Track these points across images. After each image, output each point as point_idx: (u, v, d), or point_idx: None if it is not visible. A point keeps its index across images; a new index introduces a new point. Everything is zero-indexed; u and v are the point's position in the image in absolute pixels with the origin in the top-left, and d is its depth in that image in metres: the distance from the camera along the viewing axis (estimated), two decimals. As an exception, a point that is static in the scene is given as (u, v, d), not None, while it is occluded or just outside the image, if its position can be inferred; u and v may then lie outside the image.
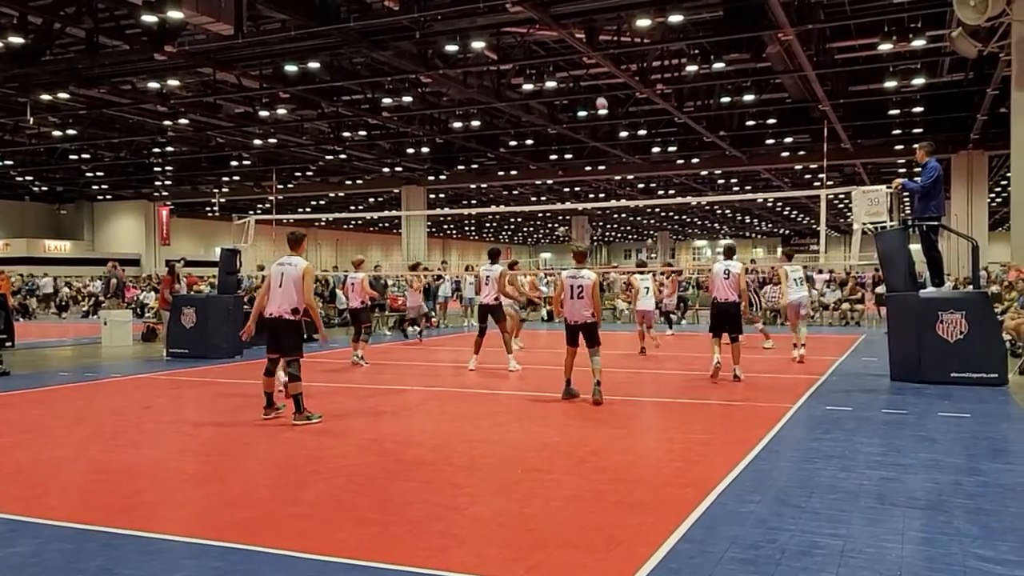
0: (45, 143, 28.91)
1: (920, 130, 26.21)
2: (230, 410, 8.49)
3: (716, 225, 72.02)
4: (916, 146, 10.71)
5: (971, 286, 11.99)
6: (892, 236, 10.49)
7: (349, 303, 13.23)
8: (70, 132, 26.98)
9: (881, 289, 19.66)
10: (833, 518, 4.58)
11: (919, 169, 10.65)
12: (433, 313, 20.39)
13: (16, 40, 16.06)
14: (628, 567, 3.87)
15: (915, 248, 10.74)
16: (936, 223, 10.45)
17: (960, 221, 27.62)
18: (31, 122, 24.16)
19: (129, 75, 20.33)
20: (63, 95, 21.42)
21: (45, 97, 21.46)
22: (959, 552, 4.04)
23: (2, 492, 5.38)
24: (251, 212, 19.12)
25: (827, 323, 22.32)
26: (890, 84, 21.12)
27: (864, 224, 10.63)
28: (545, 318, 25.35)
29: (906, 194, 10.72)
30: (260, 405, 8.04)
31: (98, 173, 36.85)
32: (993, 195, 38.52)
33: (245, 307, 13.95)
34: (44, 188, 42.30)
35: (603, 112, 23.33)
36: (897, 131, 27.26)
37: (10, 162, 32.83)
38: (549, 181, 38.16)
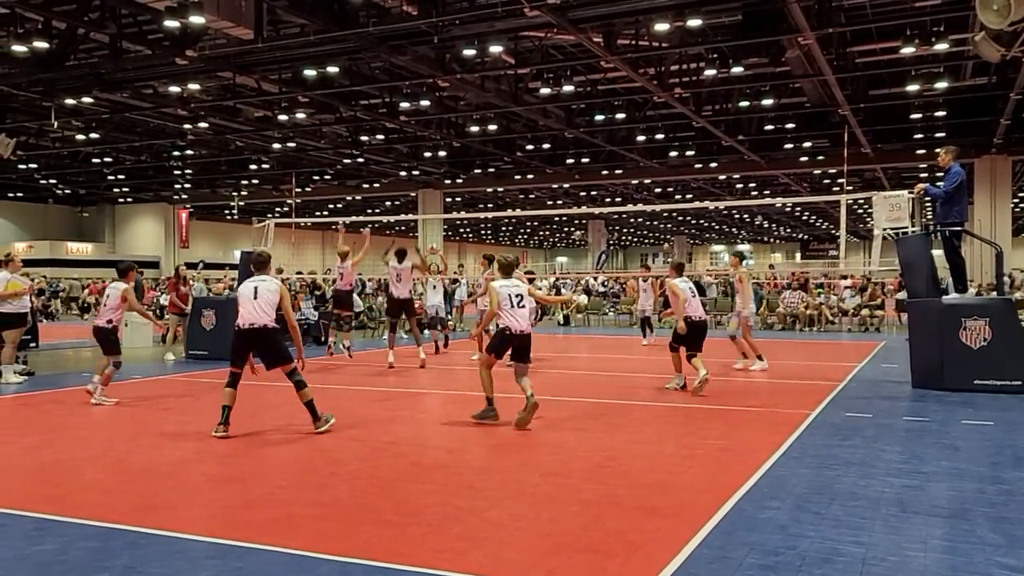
0: (68, 147, 29.22)
1: (942, 134, 25.91)
2: (249, 412, 8.54)
3: (734, 230, 71.64)
4: (939, 151, 10.61)
5: (995, 292, 11.86)
6: (914, 242, 10.41)
7: (336, 287, 13.76)
8: (93, 136, 27.26)
9: (901, 295, 19.50)
10: (854, 525, 4.55)
11: (941, 174, 10.56)
12: (449, 317, 20.36)
13: (41, 45, 16.25)
14: (647, 572, 3.87)
15: (938, 254, 10.65)
16: (959, 228, 10.36)
17: (983, 226, 27.31)
18: (55, 126, 24.43)
19: (151, 79, 20.54)
20: (87, 99, 21.64)
21: (69, 101, 21.70)
22: (982, 561, 4.00)
23: (27, 490, 5.46)
24: (270, 215, 19.26)
25: (847, 329, 22.17)
26: (912, 88, 20.90)
27: (885, 230, 10.55)
28: (561, 322, 25.37)
29: (928, 199, 10.64)
30: (275, 407, 8.09)
31: (119, 176, 37.21)
32: (1017, 200, 38.09)
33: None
34: (67, 191, 42.77)
35: None
36: (919, 135, 26.96)
37: (34, 165, 33.21)
38: (565, 185, 38.11)
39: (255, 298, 7.31)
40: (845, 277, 25.85)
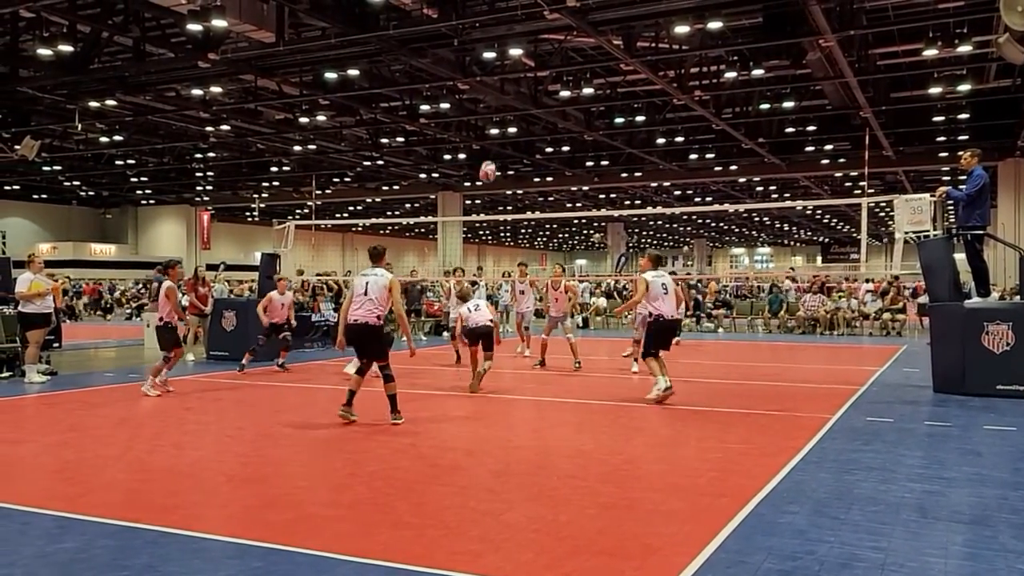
0: (92, 149, 29.60)
1: (965, 137, 25.62)
2: (269, 412, 8.61)
3: (754, 232, 71.23)
4: (961, 153, 10.50)
5: (1018, 296, 11.72)
6: (936, 245, 10.30)
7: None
8: (116, 138, 27.59)
9: (923, 299, 19.30)
10: (874, 531, 4.51)
11: (964, 177, 10.45)
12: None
13: (65, 48, 16.48)
14: (664, 576, 3.86)
15: (960, 258, 10.54)
16: (981, 232, 10.24)
17: (1007, 230, 26.98)
18: (79, 128, 24.75)
19: (174, 82, 20.77)
20: (110, 102, 21.91)
21: (93, 104, 21.97)
22: (1004, 568, 3.95)
23: (49, 489, 5.53)
24: (290, 217, 19.41)
25: (868, 333, 21.97)
26: (934, 90, 20.69)
27: (907, 233, 10.45)
28: (580, 324, 25.32)
29: (950, 202, 10.53)
30: (295, 408, 8.14)
31: (142, 178, 37.64)
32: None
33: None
34: (91, 193, 43.34)
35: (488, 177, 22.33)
36: (941, 138, 26.66)
37: (58, 167, 33.67)
38: (585, 187, 38.06)
39: (365, 294, 7.77)
40: (868, 281, 25.63)
